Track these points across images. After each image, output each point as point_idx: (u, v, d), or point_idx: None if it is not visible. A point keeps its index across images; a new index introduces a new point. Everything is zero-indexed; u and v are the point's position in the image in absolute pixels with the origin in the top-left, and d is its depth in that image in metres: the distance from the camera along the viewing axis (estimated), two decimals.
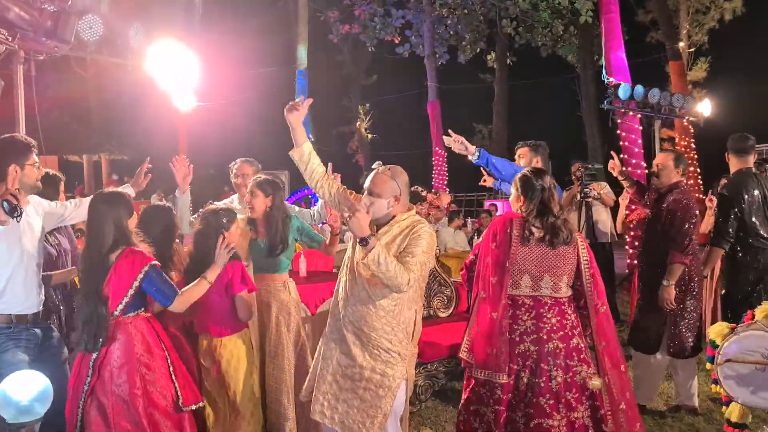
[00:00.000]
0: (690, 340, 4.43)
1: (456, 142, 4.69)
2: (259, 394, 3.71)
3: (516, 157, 5.07)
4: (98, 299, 3.02)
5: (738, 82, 17.09)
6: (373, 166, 3.25)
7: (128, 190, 3.75)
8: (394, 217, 3.08)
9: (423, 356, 4.71)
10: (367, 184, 3.10)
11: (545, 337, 3.19)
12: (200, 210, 3.87)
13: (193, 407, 3.16)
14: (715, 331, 3.41)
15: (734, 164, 4.74)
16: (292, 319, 3.97)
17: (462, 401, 3.38)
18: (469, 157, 4.70)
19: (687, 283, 4.40)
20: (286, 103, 3.22)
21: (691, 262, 4.37)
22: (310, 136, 16.43)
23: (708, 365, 3.55)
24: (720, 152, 5.00)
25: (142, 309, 3.15)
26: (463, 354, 3.36)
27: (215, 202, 4.30)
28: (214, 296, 3.51)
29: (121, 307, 3.04)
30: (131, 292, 3.04)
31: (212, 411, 3.59)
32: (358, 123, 24.56)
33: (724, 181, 7.11)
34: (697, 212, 4.44)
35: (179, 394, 3.10)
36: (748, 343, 3.17)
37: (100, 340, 3.01)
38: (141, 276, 3.03)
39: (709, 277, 5.83)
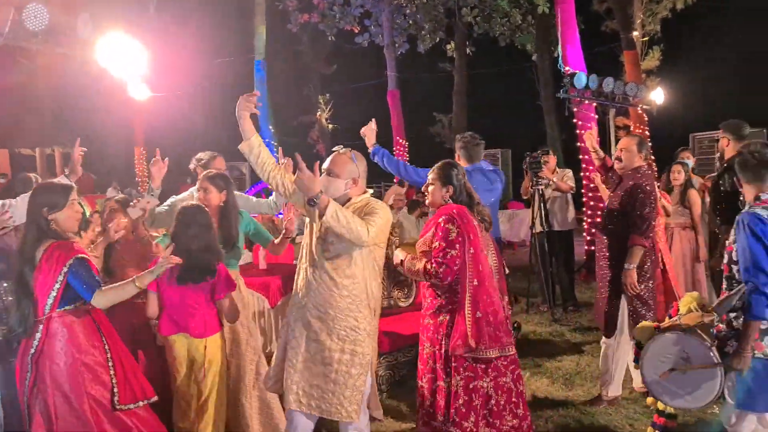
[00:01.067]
0: (648, 320, 4.53)
1: (368, 130, 4.93)
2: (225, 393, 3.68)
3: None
4: (24, 293, 2.99)
5: (689, 70, 17.47)
6: (335, 149, 3.28)
7: (65, 180, 3.56)
8: (350, 199, 3.18)
9: (383, 346, 4.73)
10: (326, 164, 3.17)
11: None
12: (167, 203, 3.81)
13: (131, 406, 3.08)
14: (639, 331, 3.47)
15: (732, 149, 4.78)
16: (244, 317, 3.94)
17: (462, 388, 3.34)
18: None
19: (641, 267, 4.46)
20: (246, 92, 3.20)
21: (648, 246, 4.45)
22: (270, 127, 16.35)
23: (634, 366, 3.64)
24: (673, 138, 5.11)
25: (80, 302, 3.07)
26: (463, 346, 3.27)
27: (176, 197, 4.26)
28: (199, 298, 3.48)
29: (50, 301, 2.99)
30: (57, 286, 2.98)
31: (178, 408, 3.54)
32: (318, 113, 24.41)
33: (687, 153, 7.29)
34: (656, 196, 4.54)
35: (115, 391, 3.04)
36: (661, 349, 3.20)
37: (31, 328, 2.98)
38: (65, 269, 2.97)
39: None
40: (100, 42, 5.44)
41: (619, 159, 4.65)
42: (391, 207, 9.83)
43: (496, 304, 3.40)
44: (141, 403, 3.14)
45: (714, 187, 4.88)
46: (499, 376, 3.37)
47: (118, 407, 3.02)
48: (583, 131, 9.86)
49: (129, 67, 5.67)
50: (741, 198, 4.46)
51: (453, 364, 3.32)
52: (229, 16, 20.07)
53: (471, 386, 3.31)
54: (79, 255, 3.03)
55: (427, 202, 3.69)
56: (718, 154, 5.04)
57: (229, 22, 19.82)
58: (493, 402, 3.34)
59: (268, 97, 16.69)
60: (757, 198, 3.00)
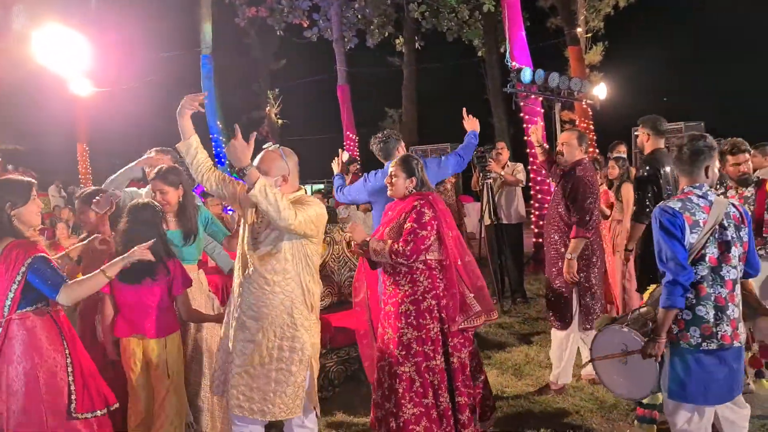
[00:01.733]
0: (596, 310, 4.66)
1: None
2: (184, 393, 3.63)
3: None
4: None
5: (631, 66, 17.95)
6: (264, 147, 3.27)
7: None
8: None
9: (335, 342, 4.74)
10: (255, 162, 3.11)
11: None
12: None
13: (88, 416, 2.98)
14: (599, 323, 3.61)
15: (652, 144, 4.80)
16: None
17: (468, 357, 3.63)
18: None
19: (588, 258, 4.59)
20: (192, 88, 3.15)
21: (593, 237, 4.57)
22: (218, 123, 16.10)
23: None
24: (616, 132, 5.24)
25: (42, 303, 2.97)
26: (455, 326, 3.55)
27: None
28: (155, 296, 3.39)
29: (8, 303, 2.88)
30: (15, 287, 2.87)
31: (134, 411, 3.46)
32: (267, 108, 24.15)
33: (622, 147, 7.48)
34: (598, 189, 4.66)
35: (73, 398, 2.94)
36: (605, 340, 3.30)
37: None
38: (23, 269, 2.87)
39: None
40: (37, 35, 5.25)
41: (561, 153, 4.77)
42: (339, 204, 9.86)
43: (478, 273, 3.73)
44: (99, 413, 3.04)
45: (636, 180, 4.95)
46: (470, 345, 3.69)
47: (74, 415, 2.93)
48: (529, 125, 10.05)
49: (70, 61, 5.50)
50: (653, 190, 4.62)
51: (450, 342, 3.57)
52: (174, 9, 19.68)
53: (473, 352, 3.67)
54: (39, 254, 2.93)
55: (389, 193, 3.78)
56: (637, 150, 5.16)
57: (175, 15, 19.44)
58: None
59: (216, 93, 16.46)
60: (682, 190, 3.05)
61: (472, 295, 3.63)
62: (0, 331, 2.88)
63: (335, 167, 5.09)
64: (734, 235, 2.95)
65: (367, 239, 3.67)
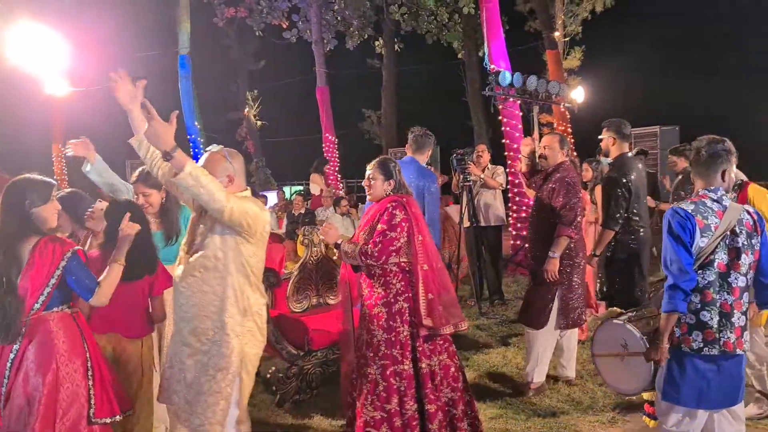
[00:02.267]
0: (578, 311, 4.71)
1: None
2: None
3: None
4: (8, 290, 2.77)
5: (608, 70, 18.15)
6: (208, 148, 3.20)
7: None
8: None
9: (313, 344, 4.72)
10: (199, 163, 3.03)
11: None
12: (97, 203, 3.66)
13: (107, 420, 2.92)
14: (607, 315, 3.56)
15: (618, 148, 4.84)
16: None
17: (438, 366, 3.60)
18: None
19: (573, 258, 4.66)
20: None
21: (576, 237, 4.63)
22: (196, 123, 15.99)
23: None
24: (593, 135, 5.28)
25: (66, 305, 2.93)
26: (420, 326, 3.54)
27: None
28: (132, 295, 3.34)
29: (42, 299, 2.82)
30: (53, 281, 2.82)
31: None
32: (246, 109, 24.03)
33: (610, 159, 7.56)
34: (580, 189, 4.72)
35: (92, 404, 2.88)
36: (606, 335, 3.33)
37: (14, 333, 2.78)
38: (63, 263, 2.83)
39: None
40: (10, 34, 5.18)
41: (543, 156, 4.83)
42: (320, 205, 9.85)
43: (447, 284, 3.69)
44: (117, 417, 2.98)
45: (604, 186, 4.93)
46: (442, 355, 3.66)
47: (93, 421, 2.87)
48: (508, 128, 10.12)
49: (45, 60, 5.42)
50: (623, 196, 4.67)
51: (419, 348, 3.56)
52: (152, 9, 19.50)
53: (443, 362, 3.62)
54: (75, 248, 2.90)
55: (368, 196, 3.83)
56: (600, 154, 5.21)
57: (153, 14, 19.27)
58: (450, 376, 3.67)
59: (194, 93, 16.33)
60: (697, 192, 3.01)
61: (439, 303, 3.59)
62: (25, 331, 2.82)
63: None
64: (746, 243, 2.90)
65: (339, 241, 3.71)
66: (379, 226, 3.55)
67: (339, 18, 18.35)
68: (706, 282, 2.87)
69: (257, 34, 19.14)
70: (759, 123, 18.28)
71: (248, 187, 3.24)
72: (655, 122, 14.30)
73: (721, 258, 2.87)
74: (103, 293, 2.96)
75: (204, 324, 3.01)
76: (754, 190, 4.29)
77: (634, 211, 4.72)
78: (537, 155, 5.03)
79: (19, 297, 2.80)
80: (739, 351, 2.89)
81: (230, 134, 24.62)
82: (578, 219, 4.62)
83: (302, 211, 9.47)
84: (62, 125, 18.52)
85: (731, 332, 2.86)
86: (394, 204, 3.59)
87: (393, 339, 3.55)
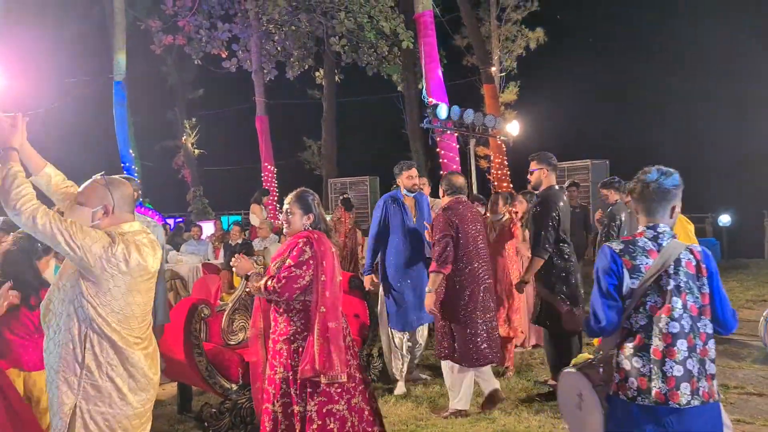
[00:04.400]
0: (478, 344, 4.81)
1: None
2: None
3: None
4: None
5: (543, 104, 18.76)
6: (94, 176, 2.93)
7: None
8: None
9: (247, 378, 4.62)
10: (80, 189, 2.87)
11: None
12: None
13: None
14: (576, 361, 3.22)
15: (549, 180, 5.22)
16: None
17: (316, 412, 3.40)
18: None
19: (461, 293, 4.81)
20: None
21: (461, 273, 4.79)
22: (131, 151, 15.63)
23: None
24: (527, 168, 5.46)
25: None
26: (311, 370, 3.38)
27: None
28: (28, 327, 3.21)
29: None
30: None
31: None
32: (184, 137, 23.65)
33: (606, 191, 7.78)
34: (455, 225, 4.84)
35: None
36: (566, 381, 3.00)
37: None
38: None
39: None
40: None
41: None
42: (255, 236, 9.76)
43: (342, 329, 3.54)
44: None
45: (536, 216, 5.16)
46: (351, 398, 3.52)
47: None
48: (445, 160, 10.30)
49: None
50: (553, 226, 4.92)
51: (308, 389, 3.41)
52: (87, 34, 19.10)
53: (325, 410, 3.40)
54: None
55: (285, 230, 3.77)
56: (530, 185, 5.44)
57: (87, 39, 18.87)
58: (348, 425, 3.47)
59: (129, 120, 15.98)
60: (636, 229, 2.84)
61: (334, 347, 3.45)
62: None
63: None
64: (682, 285, 2.64)
65: (249, 273, 3.64)
66: (288, 260, 3.48)
67: (279, 48, 18.37)
68: (638, 326, 2.67)
69: (196, 62, 18.97)
70: (685, 157, 19.18)
71: (135, 221, 2.92)
72: (587, 155, 14.84)
73: (654, 301, 2.65)
74: None
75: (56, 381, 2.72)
76: (678, 224, 4.44)
77: (562, 237, 5.08)
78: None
79: None
80: (673, 404, 2.57)
81: (166, 162, 24.17)
82: (449, 256, 4.73)
83: (239, 241, 9.34)
84: None
85: (662, 382, 2.59)
86: (304, 240, 3.52)
87: (291, 377, 3.46)
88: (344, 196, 10.89)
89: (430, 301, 4.79)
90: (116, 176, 4.00)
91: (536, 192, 5.33)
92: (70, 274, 2.67)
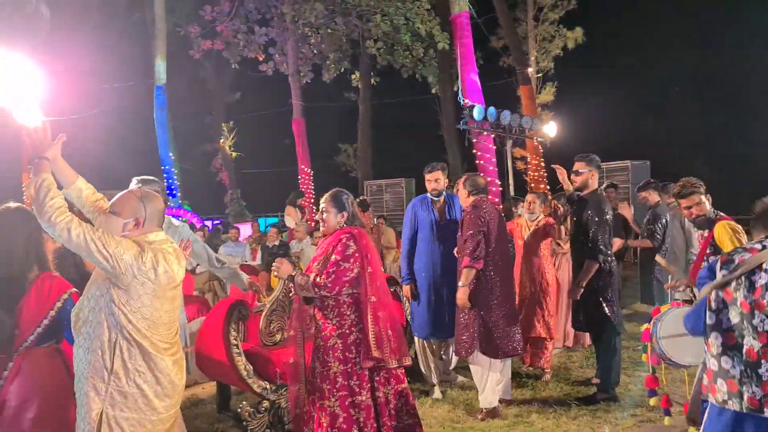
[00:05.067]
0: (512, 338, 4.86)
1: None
2: None
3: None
4: (8, 315, 2.79)
5: (580, 105, 18.54)
6: (130, 187, 3.06)
7: None
8: None
9: (285, 378, 4.65)
10: (115, 197, 2.92)
11: None
12: None
13: None
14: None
15: (594, 182, 5.24)
16: None
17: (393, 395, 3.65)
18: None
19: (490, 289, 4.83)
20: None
21: (486, 267, 4.79)
22: (171, 154, 15.91)
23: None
24: (566, 168, 5.41)
25: (55, 341, 2.93)
26: (375, 353, 3.55)
27: None
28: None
29: (32, 338, 2.82)
30: (46, 321, 2.83)
31: None
32: (221, 141, 23.99)
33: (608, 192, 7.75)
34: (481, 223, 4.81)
35: None
36: (672, 318, 3.50)
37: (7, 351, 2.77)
38: (59, 304, 2.85)
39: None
40: None
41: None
42: (292, 238, 9.82)
43: (393, 317, 3.72)
44: None
45: (595, 220, 5.09)
46: (397, 383, 3.71)
47: None
48: (482, 161, 10.23)
49: (19, 90, 5.36)
50: (608, 228, 4.89)
51: (376, 377, 3.61)
52: (129, 39, 19.49)
53: (400, 390, 3.68)
54: (72, 290, 2.92)
55: (321, 229, 3.87)
56: (571, 187, 5.37)
57: (130, 45, 19.27)
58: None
59: (169, 124, 16.28)
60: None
61: (387, 336, 3.62)
62: (12, 365, 2.79)
63: None
64: None
65: (293, 274, 3.71)
66: (333, 257, 3.59)
67: (315, 51, 18.51)
68: (732, 324, 2.48)
69: (234, 66, 19.23)
70: (725, 157, 18.73)
71: (160, 230, 2.98)
72: (625, 156, 14.58)
73: (744, 296, 2.46)
74: None
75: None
76: (720, 228, 4.14)
77: (608, 243, 5.11)
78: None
79: (14, 320, 2.81)
80: None
81: (205, 165, 24.55)
82: (480, 251, 4.73)
83: (276, 242, 9.42)
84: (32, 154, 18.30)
85: (757, 386, 2.38)
86: (347, 236, 3.64)
87: (350, 370, 3.59)
88: (361, 197, 10.91)
89: (462, 294, 4.74)
90: (148, 184, 4.09)
91: (580, 194, 5.26)
92: (101, 283, 2.72)
